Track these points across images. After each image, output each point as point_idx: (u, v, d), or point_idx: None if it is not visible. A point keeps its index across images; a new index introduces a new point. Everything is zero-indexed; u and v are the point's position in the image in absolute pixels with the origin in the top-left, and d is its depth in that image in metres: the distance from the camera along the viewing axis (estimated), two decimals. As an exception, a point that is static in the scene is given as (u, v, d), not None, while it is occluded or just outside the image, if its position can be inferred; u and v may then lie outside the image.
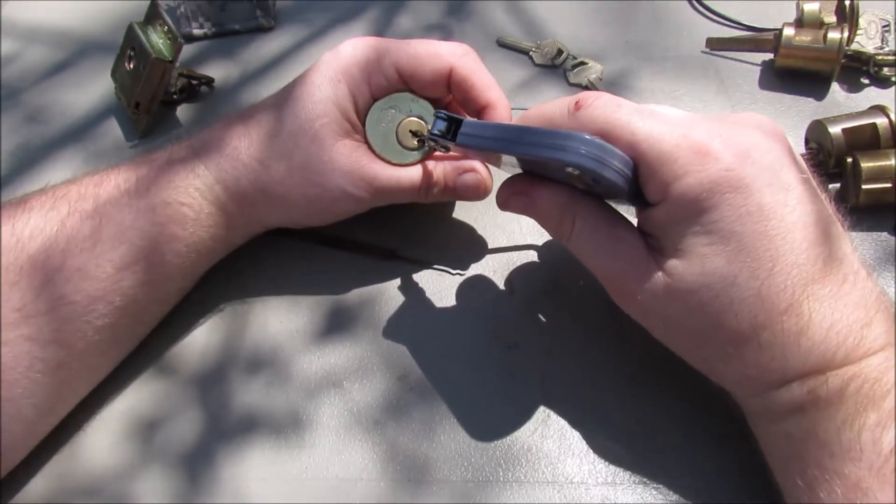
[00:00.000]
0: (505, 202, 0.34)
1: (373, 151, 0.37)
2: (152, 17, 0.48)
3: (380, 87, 0.37)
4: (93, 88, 0.52)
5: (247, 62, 0.53)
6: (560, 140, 0.28)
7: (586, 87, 0.48)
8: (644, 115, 0.29)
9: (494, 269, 0.40)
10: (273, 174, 0.36)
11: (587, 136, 0.27)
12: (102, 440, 0.35)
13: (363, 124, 0.37)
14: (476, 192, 0.37)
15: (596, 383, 0.35)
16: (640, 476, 0.33)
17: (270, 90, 0.50)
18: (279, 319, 0.39)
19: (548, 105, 0.31)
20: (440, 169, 0.37)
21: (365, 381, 0.36)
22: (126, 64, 0.48)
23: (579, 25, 0.52)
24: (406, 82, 0.37)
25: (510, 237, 0.41)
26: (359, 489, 0.33)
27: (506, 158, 0.33)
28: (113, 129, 0.49)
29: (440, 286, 0.39)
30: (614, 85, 0.48)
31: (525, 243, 0.41)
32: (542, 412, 0.35)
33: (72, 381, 0.34)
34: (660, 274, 0.29)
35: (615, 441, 0.34)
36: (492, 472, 0.33)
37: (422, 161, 0.37)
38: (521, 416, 0.35)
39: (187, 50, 0.52)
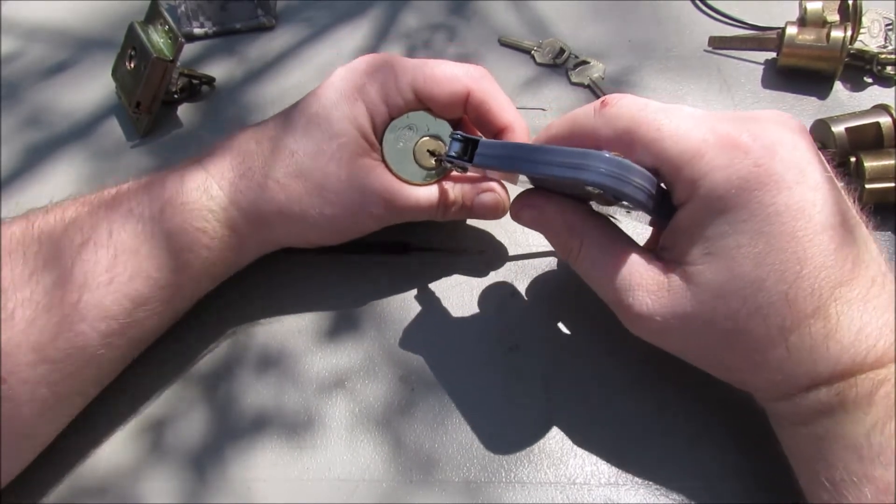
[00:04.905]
0: (517, 214, 0.34)
1: (390, 170, 0.36)
2: (153, 16, 0.48)
3: (397, 106, 0.36)
4: (93, 88, 0.51)
5: (248, 61, 0.53)
6: (579, 159, 0.28)
7: (588, 87, 0.48)
8: (670, 113, 0.28)
9: (497, 270, 0.40)
10: (290, 193, 0.35)
11: (606, 154, 0.27)
12: (107, 440, 0.35)
13: (380, 143, 0.37)
14: (494, 212, 0.37)
15: (598, 384, 0.35)
16: (642, 477, 0.33)
17: (272, 89, 0.50)
18: (282, 319, 0.39)
19: (573, 112, 0.31)
20: (458, 188, 0.37)
21: (367, 381, 0.36)
22: (127, 63, 0.48)
23: (581, 24, 0.52)
24: (422, 103, 0.36)
25: (517, 246, 0.41)
26: (360, 490, 0.33)
27: (523, 177, 0.32)
28: (114, 129, 0.49)
29: (442, 287, 0.39)
30: (617, 84, 0.48)
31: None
32: (545, 413, 0.35)
33: (76, 401, 0.34)
34: (682, 286, 0.28)
35: (617, 442, 0.34)
36: (494, 473, 0.33)
37: (439, 180, 0.37)
38: (524, 417, 0.34)
39: (188, 49, 0.52)
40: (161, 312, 0.34)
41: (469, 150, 0.32)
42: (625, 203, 0.29)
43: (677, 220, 0.29)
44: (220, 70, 0.52)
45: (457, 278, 0.40)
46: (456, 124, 0.38)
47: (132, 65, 0.47)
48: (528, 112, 0.47)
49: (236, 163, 0.36)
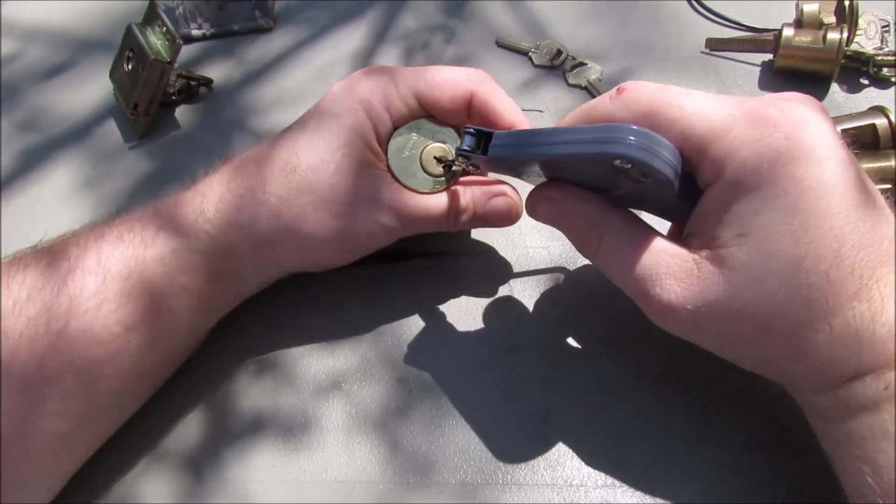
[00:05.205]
0: (533, 208, 0.33)
1: (397, 180, 0.36)
2: (151, 17, 0.48)
3: (400, 114, 0.36)
4: (91, 89, 0.52)
5: (246, 63, 0.53)
6: (605, 133, 0.26)
7: (585, 88, 0.48)
8: (691, 94, 0.28)
9: (494, 272, 0.40)
10: (295, 209, 0.34)
11: (633, 126, 0.26)
12: (106, 442, 0.35)
13: (385, 153, 0.36)
14: (507, 217, 0.36)
15: (596, 386, 0.35)
16: (639, 478, 0.33)
17: (270, 91, 0.50)
18: (280, 322, 0.39)
19: (587, 103, 0.31)
20: (469, 194, 0.36)
21: (364, 383, 0.36)
22: (124, 65, 0.48)
23: (578, 26, 0.52)
24: (425, 109, 0.36)
25: (514, 247, 0.41)
26: (357, 491, 0.33)
27: (538, 172, 0.31)
28: (111, 131, 0.49)
29: (440, 289, 0.39)
30: (614, 85, 0.48)
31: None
32: (542, 415, 0.35)
33: (76, 449, 0.33)
34: (713, 271, 0.27)
35: (615, 443, 0.34)
36: (491, 475, 0.33)
37: (448, 187, 0.36)
38: (521, 418, 0.34)
39: (186, 51, 0.52)
40: (157, 342, 0.33)
41: (482, 142, 0.31)
42: (650, 186, 0.28)
43: (704, 203, 0.28)
44: (217, 72, 0.52)
45: (455, 280, 0.40)
46: (459, 131, 0.37)
47: (130, 66, 0.47)
48: (525, 114, 0.47)
49: (234, 184, 0.34)
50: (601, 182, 0.30)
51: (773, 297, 0.26)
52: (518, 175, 0.35)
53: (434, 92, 0.35)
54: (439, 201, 0.35)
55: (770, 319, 0.26)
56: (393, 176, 0.36)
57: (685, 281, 0.28)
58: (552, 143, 0.28)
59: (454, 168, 0.36)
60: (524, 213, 0.34)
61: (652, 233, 0.30)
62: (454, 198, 0.36)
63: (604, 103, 0.29)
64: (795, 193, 0.26)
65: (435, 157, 0.36)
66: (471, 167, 0.34)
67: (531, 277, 0.39)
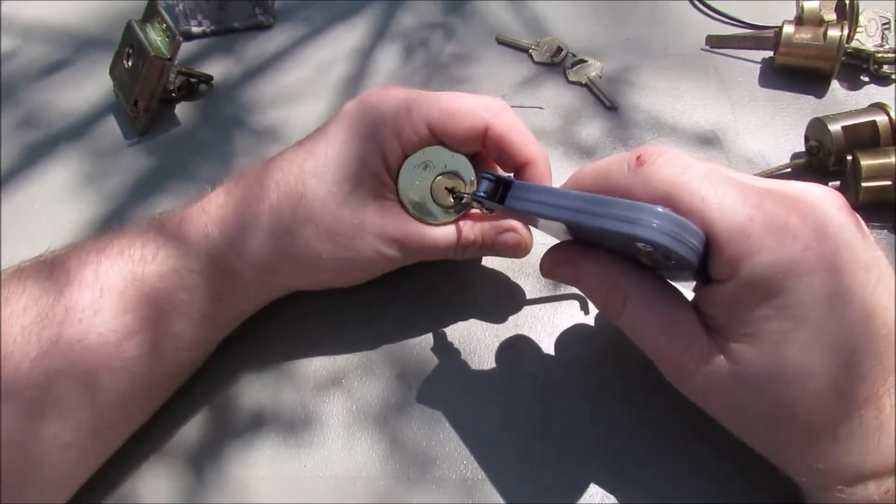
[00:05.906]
0: (549, 272, 0.32)
1: (406, 210, 0.35)
2: (151, 14, 0.48)
3: (411, 142, 0.34)
4: (91, 86, 0.52)
5: (246, 60, 0.53)
6: (630, 212, 0.25)
7: (585, 85, 0.48)
8: (714, 180, 0.26)
9: (495, 270, 0.40)
10: (299, 239, 0.33)
11: (660, 209, 0.25)
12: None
13: (395, 181, 0.35)
14: (515, 252, 0.36)
15: (596, 383, 0.35)
16: (640, 476, 0.33)
17: (269, 88, 0.50)
18: (280, 318, 0.39)
19: (603, 162, 0.29)
20: (477, 227, 0.35)
21: (365, 379, 0.36)
22: (125, 62, 0.48)
23: (578, 23, 0.52)
24: (438, 138, 0.35)
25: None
26: (358, 487, 0.33)
27: (558, 227, 0.30)
28: (112, 128, 0.49)
29: (438, 285, 0.39)
30: (614, 82, 0.48)
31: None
32: (543, 412, 0.35)
33: (82, 459, 0.32)
34: (722, 358, 0.27)
35: (615, 442, 0.34)
36: (491, 471, 0.33)
37: (458, 219, 0.35)
38: (521, 415, 0.34)
39: (186, 48, 0.52)
40: (157, 353, 0.32)
41: (500, 190, 0.30)
42: (671, 264, 0.27)
43: (715, 294, 0.27)
44: (217, 69, 0.52)
45: (455, 278, 0.40)
46: (472, 158, 0.36)
47: (130, 63, 0.47)
48: (525, 111, 0.47)
49: (240, 209, 0.34)
50: (623, 249, 0.29)
51: (778, 398, 0.26)
52: (534, 225, 0.34)
53: (448, 122, 0.34)
54: (447, 234, 0.35)
55: (773, 417, 0.26)
56: (402, 205, 0.35)
57: (700, 358, 0.27)
58: (574, 209, 0.27)
59: (464, 201, 0.35)
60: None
61: (675, 300, 0.29)
62: (461, 232, 0.35)
63: (621, 172, 0.28)
64: (809, 303, 0.25)
65: (446, 188, 0.35)
66: (485, 211, 0.33)
67: (532, 276, 0.39)
